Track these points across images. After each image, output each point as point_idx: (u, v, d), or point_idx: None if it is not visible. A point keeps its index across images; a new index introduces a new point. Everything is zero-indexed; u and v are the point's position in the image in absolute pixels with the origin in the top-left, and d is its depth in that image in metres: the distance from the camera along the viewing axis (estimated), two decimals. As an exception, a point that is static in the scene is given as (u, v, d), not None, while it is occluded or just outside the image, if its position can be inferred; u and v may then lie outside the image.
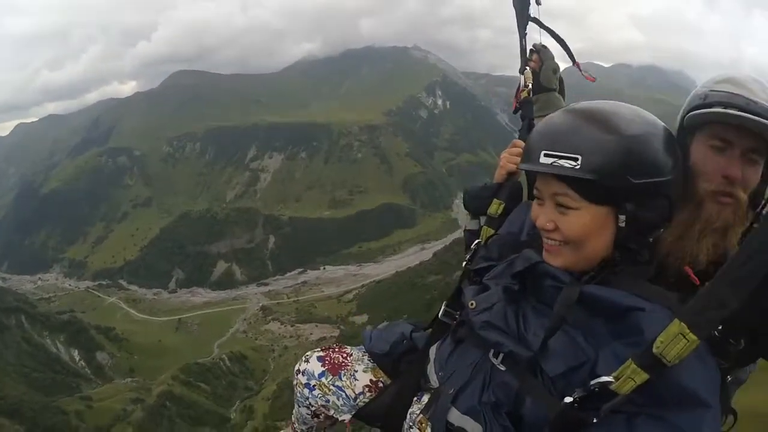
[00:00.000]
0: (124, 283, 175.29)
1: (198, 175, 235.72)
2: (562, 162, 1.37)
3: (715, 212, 1.62)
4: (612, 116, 1.40)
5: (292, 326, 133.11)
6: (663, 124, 1.47)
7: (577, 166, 1.35)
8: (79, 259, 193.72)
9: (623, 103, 1.49)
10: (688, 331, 1.15)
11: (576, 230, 1.42)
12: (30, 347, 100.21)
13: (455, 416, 1.57)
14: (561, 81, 2.63)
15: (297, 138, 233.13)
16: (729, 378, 1.65)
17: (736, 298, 1.12)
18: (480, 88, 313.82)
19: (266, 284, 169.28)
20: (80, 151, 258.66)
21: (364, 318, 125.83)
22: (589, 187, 1.37)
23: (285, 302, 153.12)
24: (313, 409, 2.18)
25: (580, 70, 2.64)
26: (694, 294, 1.32)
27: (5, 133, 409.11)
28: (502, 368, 1.51)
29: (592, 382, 1.26)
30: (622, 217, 1.39)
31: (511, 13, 2.46)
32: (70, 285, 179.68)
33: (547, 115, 2.23)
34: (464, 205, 2.29)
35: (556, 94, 2.58)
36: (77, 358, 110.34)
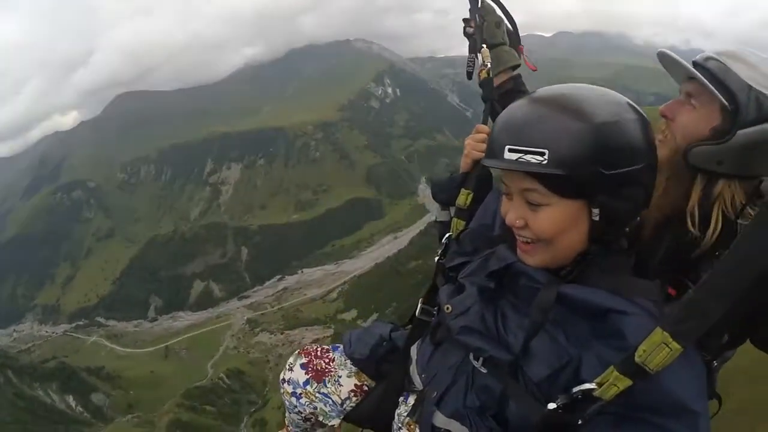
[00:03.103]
0: (101, 320, 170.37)
1: (158, 197, 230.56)
2: (528, 157, 1.29)
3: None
4: (579, 102, 1.31)
5: (282, 334, 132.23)
6: (633, 105, 1.38)
7: (544, 161, 1.27)
8: (51, 303, 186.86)
9: (590, 86, 1.40)
10: (671, 339, 1.12)
11: (547, 227, 1.36)
12: (23, 402, 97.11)
13: (440, 420, 1.56)
14: (514, 32, 2.49)
15: (252, 145, 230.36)
16: (715, 363, 1.65)
17: (720, 308, 1.09)
18: (427, 72, 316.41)
19: (247, 297, 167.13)
20: (33, 192, 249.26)
21: (354, 313, 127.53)
22: (559, 181, 1.29)
23: (269, 312, 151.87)
24: (303, 415, 2.20)
25: (523, 56, 2.48)
26: (676, 281, 1.35)
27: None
28: (484, 371, 1.49)
29: (575, 390, 1.24)
30: (596, 211, 1.33)
31: None
32: (47, 331, 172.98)
33: (502, 71, 2.31)
34: (433, 197, 2.25)
35: (506, 48, 2.42)
36: (73, 404, 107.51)
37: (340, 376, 2.15)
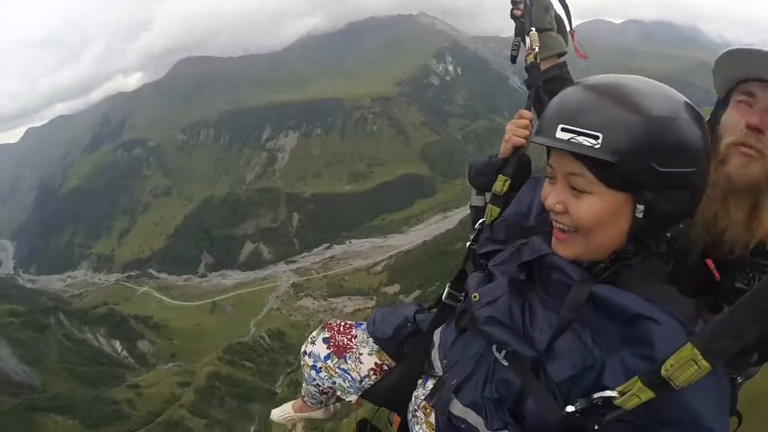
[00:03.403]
0: (153, 272, 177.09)
1: (215, 160, 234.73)
2: (580, 139, 1.23)
3: (739, 164, 1.47)
4: (635, 94, 1.24)
5: (325, 300, 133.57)
6: (691, 104, 1.29)
7: (597, 146, 1.21)
8: (106, 253, 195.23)
9: (647, 79, 1.32)
10: (700, 357, 1.05)
11: (587, 216, 1.29)
12: (72, 343, 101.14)
13: (457, 408, 1.53)
14: (566, 18, 2.38)
15: (310, 115, 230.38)
16: (739, 380, 1.59)
17: (756, 329, 1.03)
18: (489, 52, 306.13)
19: (294, 261, 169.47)
20: (95, 148, 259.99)
21: (396, 288, 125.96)
22: (608, 170, 1.22)
23: (315, 278, 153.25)
24: (320, 388, 2.25)
25: (574, 42, 2.39)
26: (713, 294, 1.31)
27: (16, 139, 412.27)
28: (505, 364, 1.44)
29: (595, 396, 1.20)
30: (641, 207, 1.26)
31: None
32: (100, 279, 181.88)
33: (547, 57, 2.27)
34: (469, 181, 2.15)
35: (553, 33, 2.31)
36: (119, 349, 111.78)
37: (361, 354, 2.15)
